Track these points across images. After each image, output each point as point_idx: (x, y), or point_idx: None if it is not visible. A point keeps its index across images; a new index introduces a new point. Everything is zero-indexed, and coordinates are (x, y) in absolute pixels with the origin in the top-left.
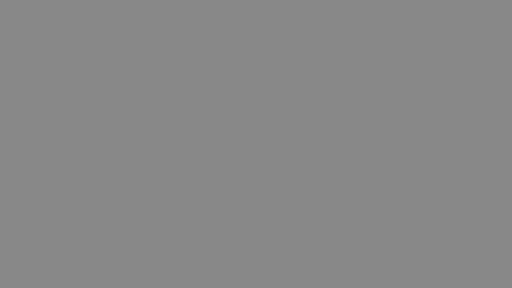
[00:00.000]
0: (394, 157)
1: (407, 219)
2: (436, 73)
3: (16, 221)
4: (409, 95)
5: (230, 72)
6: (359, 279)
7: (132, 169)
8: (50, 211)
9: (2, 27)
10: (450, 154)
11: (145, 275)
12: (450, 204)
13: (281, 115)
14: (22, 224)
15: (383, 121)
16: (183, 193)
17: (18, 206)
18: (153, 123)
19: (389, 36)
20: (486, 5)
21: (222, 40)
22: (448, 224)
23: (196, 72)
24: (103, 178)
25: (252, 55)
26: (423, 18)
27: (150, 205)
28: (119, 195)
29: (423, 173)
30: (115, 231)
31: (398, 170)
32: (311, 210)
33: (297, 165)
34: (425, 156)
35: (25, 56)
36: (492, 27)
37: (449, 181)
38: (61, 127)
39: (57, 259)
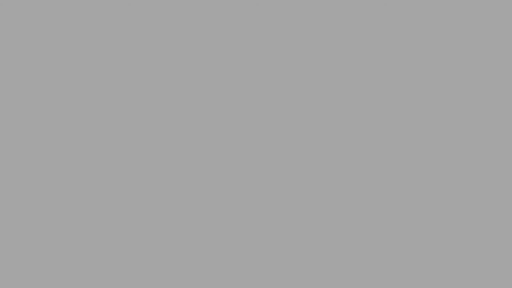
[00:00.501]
0: (394, 157)
1: (407, 219)
2: (436, 73)
3: (16, 221)
4: (409, 95)
5: (230, 72)
6: (359, 279)
7: (132, 169)
8: (50, 211)
9: (2, 27)
10: (450, 154)
11: (145, 275)
12: (450, 204)
13: (281, 115)
14: (22, 224)
15: (383, 121)
16: (183, 193)
17: (18, 206)
18: (153, 124)
19: (389, 36)
20: (486, 5)
21: (222, 40)
22: (448, 224)
23: (196, 72)
24: (103, 178)
25: (252, 55)
26: (423, 18)
27: (150, 205)
28: (119, 195)
29: (423, 174)
30: (115, 231)
31: (398, 171)
32: (311, 211)
33: (297, 166)
34: (425, 156)
35: (25, 56)
36: (492, 27)
37: (449, 181)
38: (61, 127)
39: (57, 259)
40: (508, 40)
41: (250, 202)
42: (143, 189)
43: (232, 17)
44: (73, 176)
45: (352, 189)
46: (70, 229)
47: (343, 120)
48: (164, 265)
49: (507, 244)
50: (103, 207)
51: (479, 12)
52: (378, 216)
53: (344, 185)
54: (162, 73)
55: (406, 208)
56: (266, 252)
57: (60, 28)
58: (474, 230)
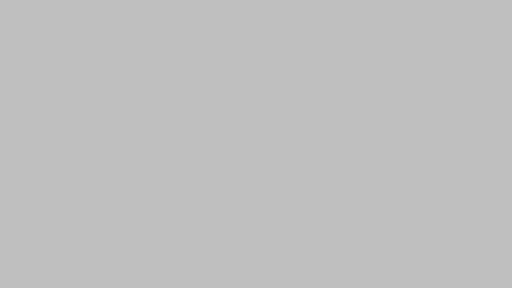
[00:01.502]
0: (394, 157)
1: (407, 219)
2: (436, 73)
3: (16, 221)
4: (409, 95)
5: (230, 72)
6: (359, 279)
7: (132, 169)
8: (50, 211)
9: (2, 27)
10: (449, 155)
11: (145, 275)
12: (450, 204)
13: (281, 115)
14: (22, 224)
15: (383, 121)
16: (184, 193)
17: (18, 206)
18: (153, 123)
19: (389, 36)
20: (486, 5)
21: (222, 40)
22: (448, 224)
23: (196, 72)
24: (103, 178)
25: (252, 55)
26: (424, 18)
27: (151, 205)
28: (119, 195)
29: (422, 173)
30: (115, 231)
31: (397, 171)
32: (311, 211)
33: (297, 166)
34: (425, 156)
35: (25, 56)
36: (492, 27)
37: (449, 181)
38: (61, 127)
39: (57, 259)
40: (508, 40)
41: (250, 203)
42: (143, 189)
43: (233, 17)
44: (73, 176)
45: (352, 189)
46: (70, 229)
47: (343, 120)
48: (164, 265)
49: (507, 244)
50: (103, 207)
51: (480, 12)
52: (378, 216)
53: (344, 186)
54: (162, 73)
55: (406, 208)
56: (266, 252)
57: (60, 28)
58: (474, 230)
